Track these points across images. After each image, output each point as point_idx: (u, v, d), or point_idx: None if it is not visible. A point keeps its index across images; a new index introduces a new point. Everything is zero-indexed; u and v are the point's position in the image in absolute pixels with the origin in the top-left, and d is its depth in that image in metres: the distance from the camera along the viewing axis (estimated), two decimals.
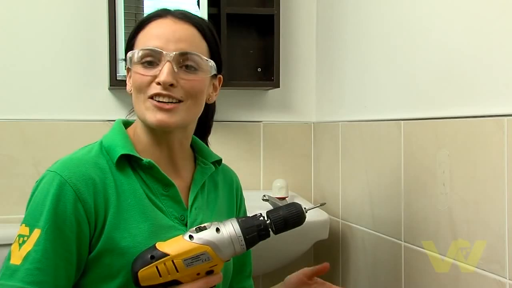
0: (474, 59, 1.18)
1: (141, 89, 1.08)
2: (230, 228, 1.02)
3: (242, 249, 1.02)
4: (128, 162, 1.11)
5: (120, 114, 1.97)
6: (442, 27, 1.30)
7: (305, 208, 1.07)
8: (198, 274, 1.02)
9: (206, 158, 1.23)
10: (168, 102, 1.07)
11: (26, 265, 0.98)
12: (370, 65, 1.66)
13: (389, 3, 1.55)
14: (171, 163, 1.15)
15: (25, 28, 1.92)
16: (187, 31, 1.11)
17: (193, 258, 1.00)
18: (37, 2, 1.93)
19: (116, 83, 1.90)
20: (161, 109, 1.07)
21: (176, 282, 1.01)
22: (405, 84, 1.46)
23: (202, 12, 1.88)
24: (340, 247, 1.84)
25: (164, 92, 1.06)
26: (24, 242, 0.99)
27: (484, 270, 1.12)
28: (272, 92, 2.10)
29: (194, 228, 1.02)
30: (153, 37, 1.09)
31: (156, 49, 1.07)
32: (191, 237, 1.01)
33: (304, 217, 1.07)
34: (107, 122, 1.96)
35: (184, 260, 1.00)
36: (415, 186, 1.36)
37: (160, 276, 0.99)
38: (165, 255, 0.99)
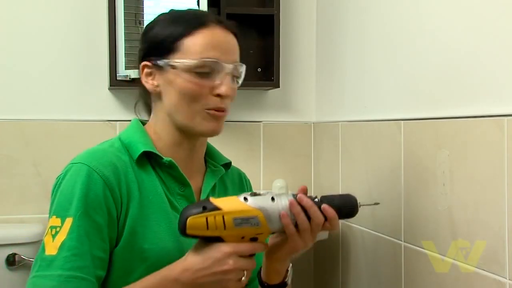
0: (474, 59, 1.18)
1: (196, 98, 1.10)
2: (285, 201, 1.03)
3: None
4: (148, 159, 1.12)
5: (120, 114, 1.98)
6: (442, 27, 1.30)
7: (359, 203, 1.09)
8: (242, 237, 1.02)
9: (217, 160, 1.25)
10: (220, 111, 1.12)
11: (63, 253, 0.99)
12: (370, 65, 1.66)
13: (390, 3, 1.55)
14: (187, 164, 1.17)
15: (25, 28, 1.92)
16: (234, 41, 1.15)
17: (243, 219, 1.00)
18: (37, 2, 1.93)
19: (116, 83, 1.90)
20: (214, 118, 1.11)
21: (220, 240, 1.01)
22: (405, 84, 1.46)
23: None
24: (340, 247, 1.84)
25: (222, 105, 1.11)
26: (57, 232, 1.00)
27: (484, 270, 1.12)
28: (272, 92, 2.10)
29: (249, 193, 1.02)
30: (209, 47, 1.10)
31: (219, 61, 1.09)
32: (245, 199, 1.02)
33: (357, 211, 1.10)
34: (107, 122, 1.96)
35: (235, 218, 1.00)
36: (415, 186, 1.36)
37: (207, 228, 0.99)
38: (217, 208, 0.99)
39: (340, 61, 1.89)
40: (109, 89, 1.97)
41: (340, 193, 1.09)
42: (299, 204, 1.04)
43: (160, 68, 1.12)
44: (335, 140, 1.88)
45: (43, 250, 1.00)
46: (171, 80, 1.11)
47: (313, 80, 2.12)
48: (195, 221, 0.98)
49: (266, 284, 1.16)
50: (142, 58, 1.15)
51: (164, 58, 1.11)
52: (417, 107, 1.39)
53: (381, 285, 1.56)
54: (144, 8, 1.96)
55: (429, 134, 1.32)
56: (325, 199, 1.07)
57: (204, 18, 1.13)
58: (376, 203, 1.19)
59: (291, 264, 1.16)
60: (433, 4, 1.34)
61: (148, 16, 1.95)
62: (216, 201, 1.00)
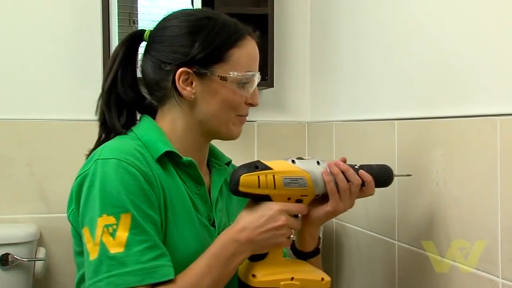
0: (468, 59, 1.18)
1: (235, 107, 1.15)
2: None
3: None
4: (167, 158, 1.13)
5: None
6: (436, 27, 1.30)
7: (394, 173, 1.20)
8: (289, 198, 1.09)
9: (220, 160, 1.28)
10: None
11: (134, 249, 0.99)
12: (364, 64, 1.66)
13: (384, 3, 1.55)
14: (200, 164, 1.18)
15: (19, 27, 1.91)
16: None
17: (292, 179, 1.07)
18: (32, 2, 1.92)
19: None
20: (241, 123, 1.19)
21: (268, 199, 1.07)
22: (399, 83, 1.46)
23: None
24: (334, 246, 1.84)
25: (248, 112, 1.19)
26: (115, 230, 0.99)
27: (478, 269, 1.13)
28: (266, 92, 2.10)
29: (295, 157, 1.11)
30: (252, 59, 1.16)
31: (257, 74, 1.16)
32: (293, 161, 1.10)
33: (392, 180, 1.20)
34: None
35: (284, 178, 1.07)
36: (408, 185, 1.37)
37: (259, 187, 1.05)
38: (269, 168, 1.07)
39: (334, 60, 1.89)
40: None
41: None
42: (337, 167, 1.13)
43: (202, 76, 1.12)
44: (329, 140, 1.89)
45: (106, 250, 0.98)
46: (214, 89, 1.12)
47: (307, 80, 2.12)
48: (247, 179, 1.04)
49: (302, 252, 1.21)
50: (180, 64, 1.11)
51: (210, 68, 1.11)
52: (411, 107, 1.39)
53: (375, 284, 1.56)
54: (139, 8, 1.96)
55: (423, 134, 1.32)
56: (364, 166, 1.17)
57: (243, 29, 1.16)
58: (409, 175, 1.27)
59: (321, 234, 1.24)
60: (427, 5, 1.34)
61: (143, 16, 1.95)
62: (266, 162, 1.07)
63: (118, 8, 1.90)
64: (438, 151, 1.25)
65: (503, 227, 1.06)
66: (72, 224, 1.12)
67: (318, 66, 2.05)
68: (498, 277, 1.07)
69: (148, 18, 1.97)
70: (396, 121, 1.44)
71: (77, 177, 1.09)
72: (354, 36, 1.74)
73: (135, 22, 1.96)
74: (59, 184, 1.90)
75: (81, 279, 1.11)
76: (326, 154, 1.91)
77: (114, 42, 1.89)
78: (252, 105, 1.17)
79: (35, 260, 1.79)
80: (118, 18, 1.91)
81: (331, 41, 1.92)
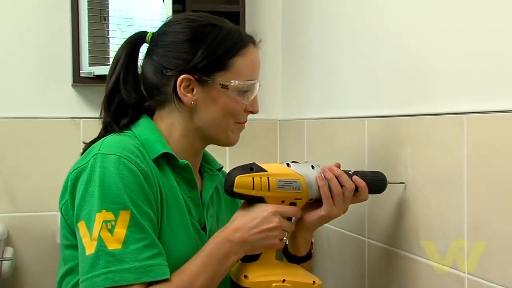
0: (435, 59, 1.20)
1: (235, 115, 1.15)
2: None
3: None
4: (164, 159, 1.12)
5: (84, 111, 1.95)
6: (404, 28, 1.31)
7: (387, 181, 1.21)
8: (283, 201, 1.09)
9: (212, 165, 1.28)
10: None
11: (132, 246, 0.98)
12: (335, 63, 1.67)
13: (353, 3, 1.56)
14: (194, 168, 1.18)
15: None
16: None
17: (287, 182, 1.08)
18: None
19: (80, 80, 1.87)
20: (240, 130, 1.19)
21: (262, 201, 1.08)
22: (368, 82, 1.47)
23: (167, 9, 1.87)
24: None
25: (247, 119, 1.19)
26: (113, 226, 0.99)
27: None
28: None
29: (290, 161, 1.12)
30: (253, 68, 1.16)
31: (258, 82, 1.16)
32: (288, 165, 1.11)
33: (386, 187, 1.21)
34: (70, 119, 1.93)
35: (279, 180, 1.08)
36: None
37: (253, 188, 1.06)
38: (263, 170, 1.07)
39: (305, 59, 1.90)
40: (72, 85, 1.94)
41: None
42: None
43: (203, 83, 1.11)
44: (301, 137, 1.89)
45: (104, 245, 0.98)
46: (215, 97, 1.12)
47: (279, 78, 2.13)
48: (242, 180, 1.05)
49: (294, 256, 1.22)
50: (182, 71, 1.11)
51: (211, 75, 1.11)
52: (381, 105, 1.41)
53: (346, 281, 1.57)
54: (109, 5, 1.94)
55: (392, 132, 1.33)
56: (358, 172, 1.17)
57: (246, 38, 1.17)
58: (402, 182, 1.26)
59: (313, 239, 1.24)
60: (396, 6, 1.35)
61: (114, 13, 1.93)
62: (261, 164, 1.08)
63: (88, 5, 1.88)
64: (407, 149, 1.26)
65: (470, 223, 1.07)
66: (63, 217, 1.10)
67: (289, 64, 2.05)
68: (464, 273, 1.09)
69: (119, 15, 1.95)
70: (366, 119, 1.45)
71: (73, 170, 1.07)
72: (325, 35, 1.74)
73: (105, 19, 1.94)
74: (26, 183, 1.88)
75: (67, 273, 1.10)
76: (298, 152, 1.92)
77: (84, 39, 1.87)
78: (252, 112, 1.18)
79: (2, 260, 1.76)
80: (88, 15, 1.88)
81: (302, 39, 1.93)
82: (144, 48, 1.20)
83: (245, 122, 1.20)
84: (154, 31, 1.19)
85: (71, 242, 1.08)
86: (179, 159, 1.13)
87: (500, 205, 1.00)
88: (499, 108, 1.01)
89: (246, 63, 1.14)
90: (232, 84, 1.12)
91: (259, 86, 1.18)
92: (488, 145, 1.03)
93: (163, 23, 1.20)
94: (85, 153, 1.10)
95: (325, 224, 1.67)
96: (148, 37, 1.19)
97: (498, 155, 1.00)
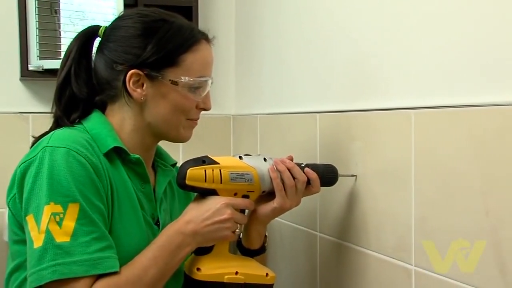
0: (382, 55, 1.22)
1: (185, 112, 1.14)
2: None
3: None
4: (115, 154, 1.11)
5: (33, 106, 1.91)
6: (352, 25, 1.33)
7: (339, 173, 1.23)
8: (235, 194, 1.10)
9: (166, 160, 1.27)
10: None
11: (81, 239, 0.97)
12: (286, 59, 1.68)
13: (304, 0, 1.57)
14: (146, 163, 1.17)
15: None
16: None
17: (239, 174, 1.09)
18: None
19: (28, 74, 1.83)
20: (192, 127, 1.18)
21: (215, 194, 1.09)
22: (319, 78, 1.49)
23: (118, 3, 1.84)
24: None
25: (199, 116, 1.19)
26: (62, 219, 0.97)
27: (393, 258, 1.16)
28: None
29: (243, 154, 1.13)
30: (205, 65, 1.15)
31: (210, 79, 1.16)
32: (240, 157, 1.11)
33: (337, 179, 1.23)
34: (18, 114, 1.89)
35: (231, 173, 1.08)
36: None
37: (205, 181, 1.07)
38: (216, 163, 1.08)
39: (258, 54, 1.90)
40: (20, 79, 1.89)
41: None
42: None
43: (153, 78, 1.10)
44: (254, 132, 1.90)
45: (53, 238, 0.96)
46: (164, 93, 1.11)
47: (232, 73, 2.12)
48: (194, 172, 1.06)
49: (248, 249, 1.22)
50: (132, 66, 1.10)
51: (161, 71, 1.10)
52: (331, 100, 1.42)
53: (298, 275, 1.58)
54: None
55: (343, 126, 1.35)
56: (309, 165, 1.19)
57: (198, 34, 1.15)
58: (353, 175, 1.27)
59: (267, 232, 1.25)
60: (345, 4, 1.37)
61: (65, 6, 1.89)
62: (213, 156, 1.09)
63: None
64: (357, 143, 1.28)
65: (417, 217, 1.10)
66: (11, 211, 1.08)
67: (242, 59, 2.05)
68: (411, 265, 1.11)
69: (71, 8, 1.91)
70: (317, 114, 1.47)
71: (21, 164, 1.05)
72: (277, 31, 1.75)
73: (56, 12, 1.90)
74: None
75: (15, 269, 1.08)
76: (251, 146, 1.92)
77: (32, 31, 1.82)
78: (204, 109, 1.18)
79: None
80: (37, 7, 1.84)
81: (255, 35, 1.93)
82: (97, 42, 1.19)
83: (197, 119, 1.19)
84: (107, 25, 1.18)
85: (20, 237, 1.06)
86: (130, 154, 1.13)
87: (446, 198, 1.02)
88: (446, 104, 1.03)
89: (197, 60, 1.14)
90: (182, 80, 1.11)
91: (212, 83, 1.17)
92: (435, 139, 1.05)
93: (116, 17, 1.19)
94: (33, 147, 1.08)
95: (278, 219, 1.68)
96: (101, 31, 1.18)
97: (444, 149, 1.03)
